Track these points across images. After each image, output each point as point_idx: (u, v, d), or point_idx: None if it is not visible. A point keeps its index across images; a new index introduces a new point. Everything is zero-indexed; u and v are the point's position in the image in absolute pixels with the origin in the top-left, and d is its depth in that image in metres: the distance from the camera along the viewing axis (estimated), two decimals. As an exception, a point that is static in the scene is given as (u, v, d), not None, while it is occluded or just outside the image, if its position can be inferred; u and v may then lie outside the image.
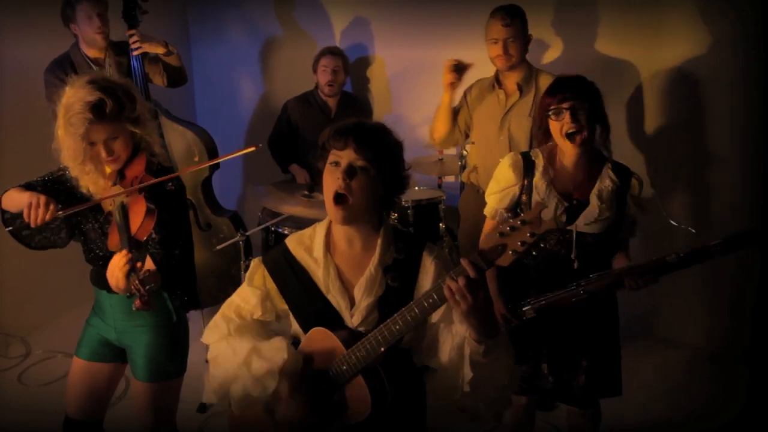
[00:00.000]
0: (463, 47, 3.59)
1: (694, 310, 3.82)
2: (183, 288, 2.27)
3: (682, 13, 3.58)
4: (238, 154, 2.24)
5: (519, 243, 1.51)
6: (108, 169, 2.11)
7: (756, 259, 3.52)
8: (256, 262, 1.90)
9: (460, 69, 3.27)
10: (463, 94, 3.44)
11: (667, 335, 3.88)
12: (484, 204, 2.56)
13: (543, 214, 1.51)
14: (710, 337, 3.77)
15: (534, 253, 1.53)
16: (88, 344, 2.31)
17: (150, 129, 2.15)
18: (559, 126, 2.32)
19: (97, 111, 1.99)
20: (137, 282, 1.91)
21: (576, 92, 2.31)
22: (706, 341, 3.77)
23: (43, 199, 2.00)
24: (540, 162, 2.42)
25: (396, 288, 1.76)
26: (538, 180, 2.39)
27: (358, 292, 1.77)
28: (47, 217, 1.99)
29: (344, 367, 1.72)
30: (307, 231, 1.88)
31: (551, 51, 3.91)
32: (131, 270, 1.92)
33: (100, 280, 2.14)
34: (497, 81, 3.31)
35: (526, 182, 2.42)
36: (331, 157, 1.73)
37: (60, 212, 2.04)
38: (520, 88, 3.24)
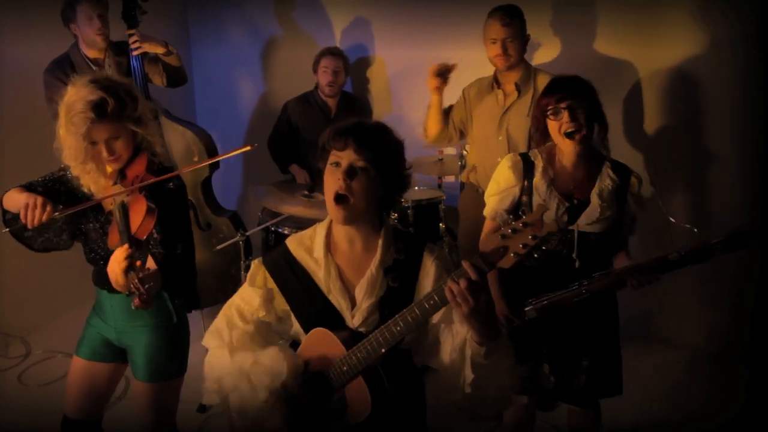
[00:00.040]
0: (463, 47, 3.60)
1: (694, 310, 3.81)
2: (184, 288, 2.27)
3: (681, 13, 3.58)
4: (234, 153, 2.25)
5: (521, 245, 1.51)
6: (109, 169, 2.11)
7: (756, 259, 3.52)
8: (256, 264, 1.90)
9: (443, 73, 3.29)
10: (462, 92, 3.45)
11: (667, 335, 3.88)
12: (483, 204, 2.56)
13: (545, 216, 1.51)
14: (710, 337, 3.77)
15: (536, 255, 1.52)
16: (88, 344, 2.31)
17: (151, 129, 2.15)
18: (557, 125, 2.33)
19: (98, 110, 1.99)
20: (136, 280, 1.91)
21: (573, 91, 2.32)
22: (706, 341, 3.77)
23: (39, 200, 1.99)
24: (539, 163, 2.43)
25: (397, 289, 1.76)
26: (539, 181, 2.39)
27: (359, 293, 1.77)
28: (44, 218, 1.99)
29: (345, 368, 1.72)
30: (307, 232, 1.88)
31: (550, 51, 3.91)
32: (130, 267, 1.92)
33: (101, 279, 2.15)
34: (496, 81, 3.31)
35: (526, 183, 2.42)
36: (332, 158, 1.73)
37: (57, 213, 2.03)
38: (519, 88, 3.25)
